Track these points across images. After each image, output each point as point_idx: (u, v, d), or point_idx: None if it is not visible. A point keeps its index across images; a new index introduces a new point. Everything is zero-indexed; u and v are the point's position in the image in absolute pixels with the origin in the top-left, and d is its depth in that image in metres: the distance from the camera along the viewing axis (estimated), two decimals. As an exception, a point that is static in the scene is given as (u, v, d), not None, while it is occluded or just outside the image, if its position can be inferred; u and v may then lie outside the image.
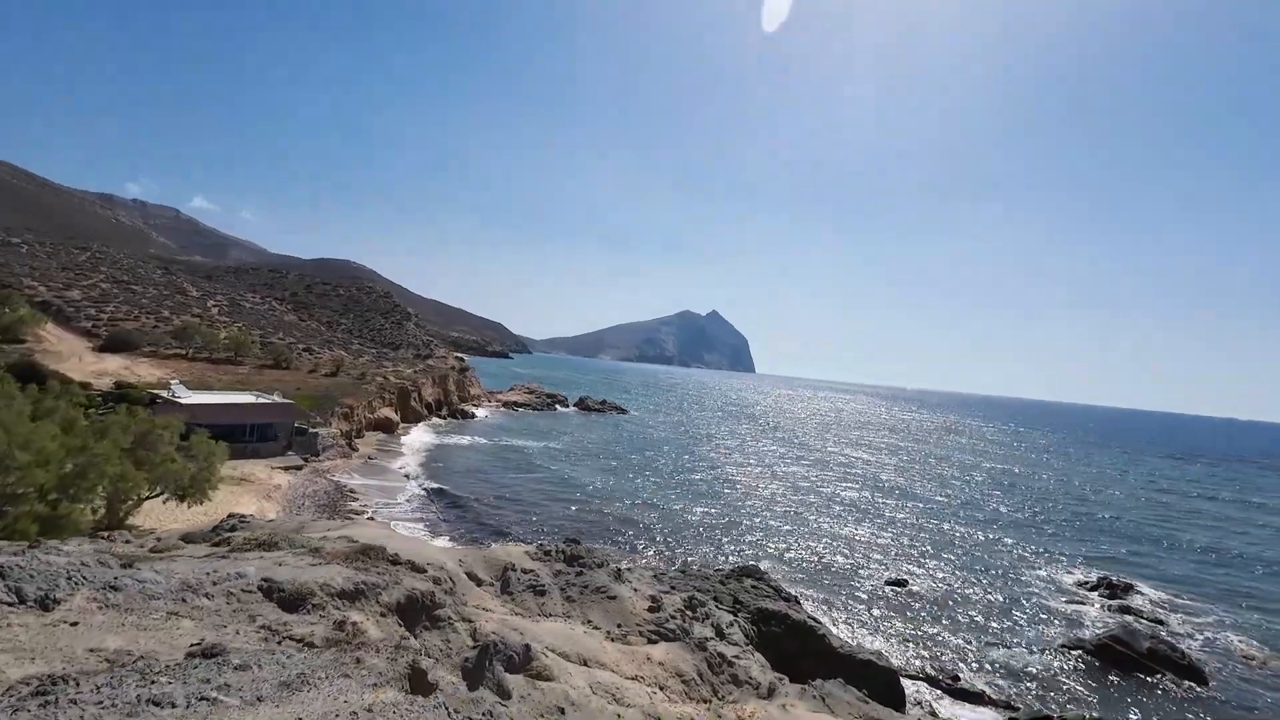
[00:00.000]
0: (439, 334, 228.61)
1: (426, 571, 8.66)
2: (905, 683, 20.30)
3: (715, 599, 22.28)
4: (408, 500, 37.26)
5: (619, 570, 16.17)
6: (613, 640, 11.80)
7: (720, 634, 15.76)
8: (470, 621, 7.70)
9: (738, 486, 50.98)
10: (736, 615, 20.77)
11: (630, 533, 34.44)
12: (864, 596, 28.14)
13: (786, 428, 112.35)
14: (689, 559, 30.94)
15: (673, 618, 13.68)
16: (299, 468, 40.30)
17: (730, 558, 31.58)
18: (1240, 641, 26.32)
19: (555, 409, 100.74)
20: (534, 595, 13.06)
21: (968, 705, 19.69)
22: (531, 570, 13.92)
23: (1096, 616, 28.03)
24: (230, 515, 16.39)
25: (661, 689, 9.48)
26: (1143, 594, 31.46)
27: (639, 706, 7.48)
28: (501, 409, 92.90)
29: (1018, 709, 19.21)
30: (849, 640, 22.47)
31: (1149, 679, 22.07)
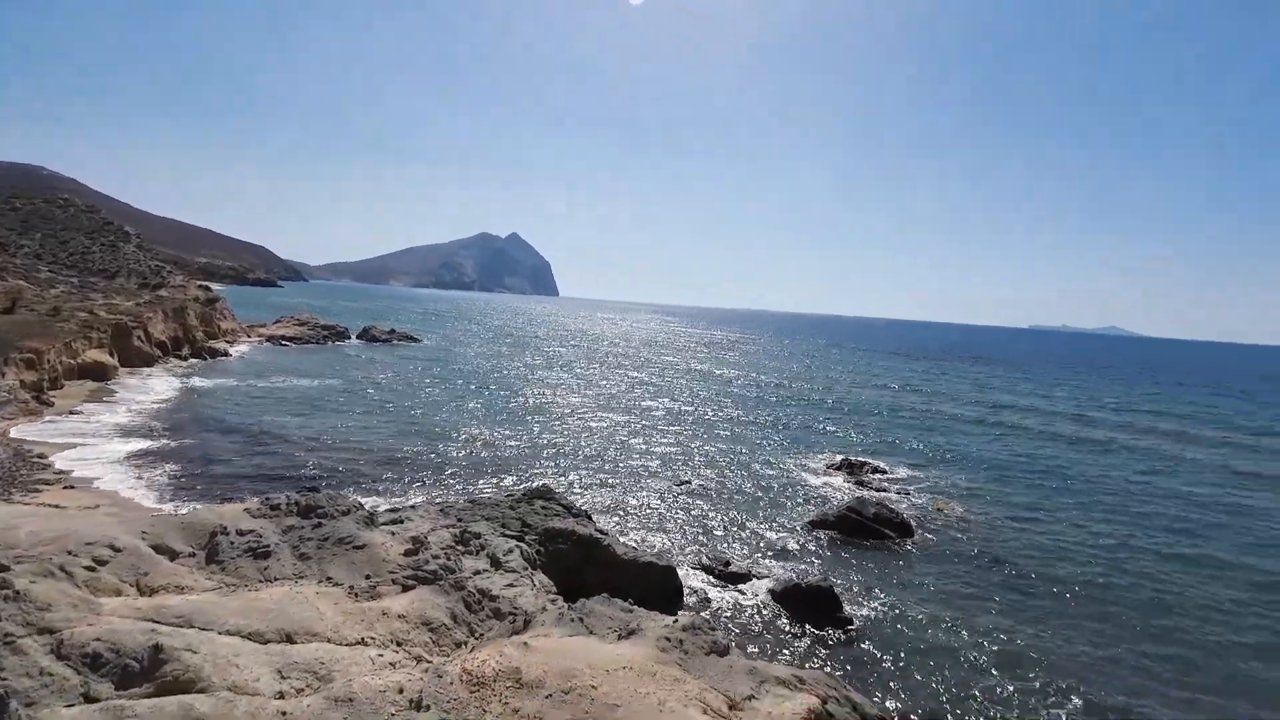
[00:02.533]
0: (178, 259, 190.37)
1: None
2: (684, 575, 21.74)
3: (503, 525, 21.40)
4: (119, 460, 30.44)
5: (370, 515, 14.38)
6: (355, 597, 10.23)
7: (496, 563, 14.97)
8: (54, 632, 5.60)
9: (536, 410, 50.50)
10: (523, 539, 20.16)
11: (416, 470, 32.15)
12: (651, 502, 29.62)
13: (586, 349, 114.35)
14: (482, 489, 29.81)
15: (436, 557, 12.47)
16: (-48, 433, 30.79)
17: (526, 482, 31.07)
18: (940, 500, 32.60)
19: (334, 342, 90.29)
20: (253, 560, 10.85)
21: (736, 585, 21.63)
22: (251, 530, 11.57)
23: (840, 491, 32.81)
24: None
25: (400, 645, 8.31)
26: (874, 470, 37.48)
27: (345, 680, 6.19)
28: (265, 345, 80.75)
29: (774, 580, 21.53)
30: (634, 545, 23.40)
31: (874, 539, 26.31)
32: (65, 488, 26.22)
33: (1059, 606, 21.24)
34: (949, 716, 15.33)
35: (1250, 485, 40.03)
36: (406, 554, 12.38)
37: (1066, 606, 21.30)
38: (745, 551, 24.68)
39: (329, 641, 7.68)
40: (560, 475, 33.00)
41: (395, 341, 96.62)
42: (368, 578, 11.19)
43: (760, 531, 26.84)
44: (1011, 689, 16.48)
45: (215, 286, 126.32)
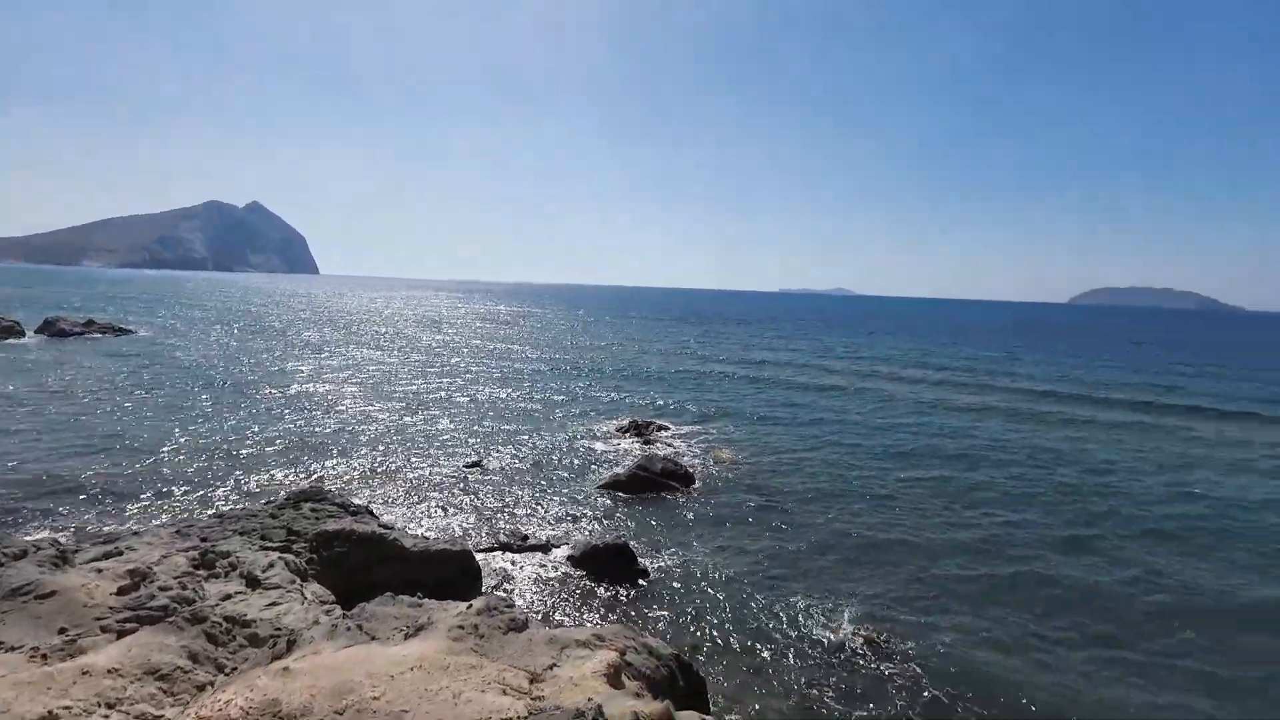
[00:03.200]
0: None
1: None
2: (482, 558, 21.03)
3: (263, 537, 18.59)
4: None
5: (63, 553, 11.30)
6: (40, 659, 7.88)
7: (254, 583, 12.83)
8: None
9: (294, 403, 44.53)
10: (289, 549, 17.71)
11: (136, 490, 26.29)
12: (442, 487, 28.08)
13: (352, 331, 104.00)
14: (233, 500, 25.47)
15: (165, 589, 10.19)
16: None
17: (289, 484, 27.29)
18: (716, 448, 35.92)
19: (-1, 339, 69.55)
20: None
21: (536, 557, 21.54)
22: None
23: (630, 452, 34.41)
24: None
25: (112, 708, 6.57)
26: (660, 428, 39.95)
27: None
28: (-121, 349, 59.27)
29: (572, 547, 21.87)
30: (426, 535, 21.98)
31: (663, 492, 28.10)
32: None
33: (819, 532, 24.70)
34: (733, 638, 17.07)
35: (939, 411, 50.79)
36: (122, 592, 9.89)
37: (824, 530, 24.88)
38: (543, 523, 24.69)
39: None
40: (333, 472, 29.63)
41: (95, 335, 77.65)
42: (62, 631, 8.69)
43: (557, 501, 27.06)
44: (782, 606, 18.90)
45: None
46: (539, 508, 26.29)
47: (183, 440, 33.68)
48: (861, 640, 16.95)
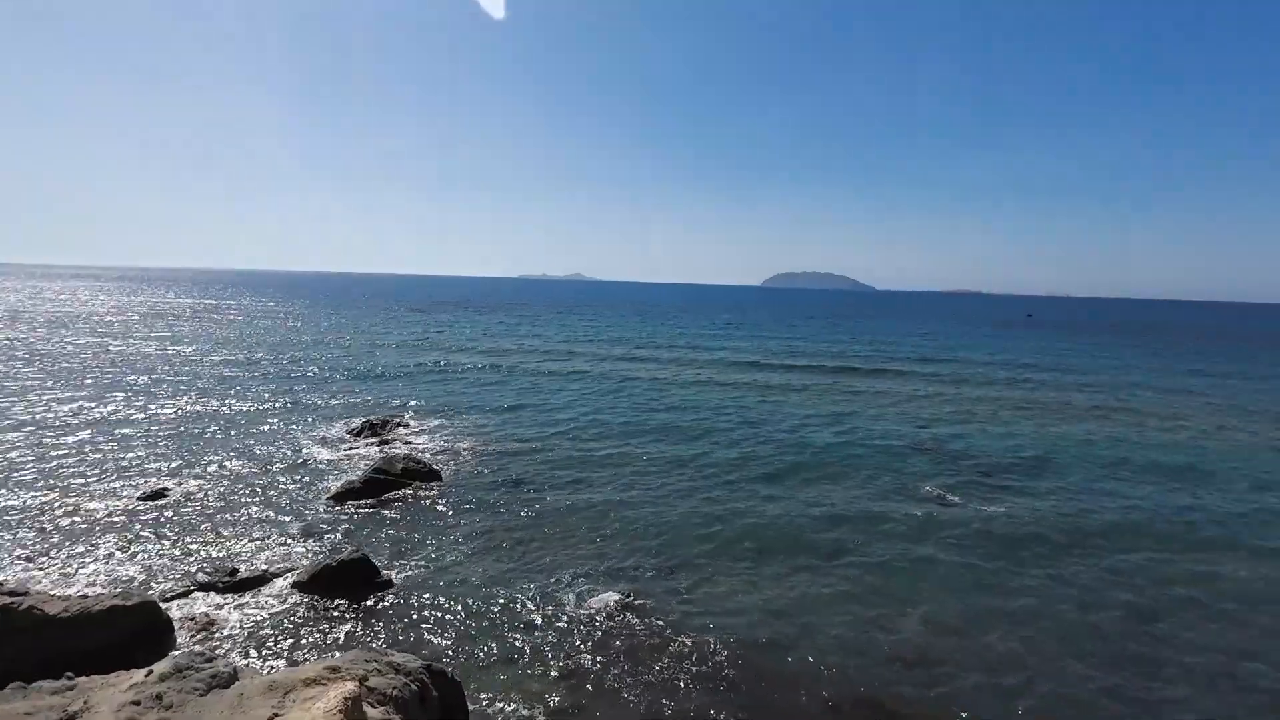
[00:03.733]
0: None
1: None
2: (173, 606, 17.20)
3: None
4: None
5: None
6: None
7: None
8: None
9: None
10: None
11: None
12: (108, 528, 22.14)
13: (-47, 336, 76.29)
14: None
15: None
16: None
17: None
18: (464, 441, 34.65)
19: None
20: None
21: (251, 593, 18.37)
22: None
23: (366, 456, 31.26)
24: None
25: None
26: (399, 425, 37.06)
27: None
28: None
29: (302, 569, 19.19)
30: (85, 593, 17.16)
31: (407, 493, 26.18)
32: None
33: (570, 513, 25.30)
34: (489, 631, 16.69)
35: (673, 387, 56.03)
36: None
37: (574, 510, 25.58)
38: (260, 551, 21.11)
39: None
40: (-82, 532, 21.31)
41: None
42: None
43: (276, 523, 23.36)
44: (537, 589, 19.04)
45: None
46: (253, 534, 22.41)
47: None
48: (616, 606, 17.96)
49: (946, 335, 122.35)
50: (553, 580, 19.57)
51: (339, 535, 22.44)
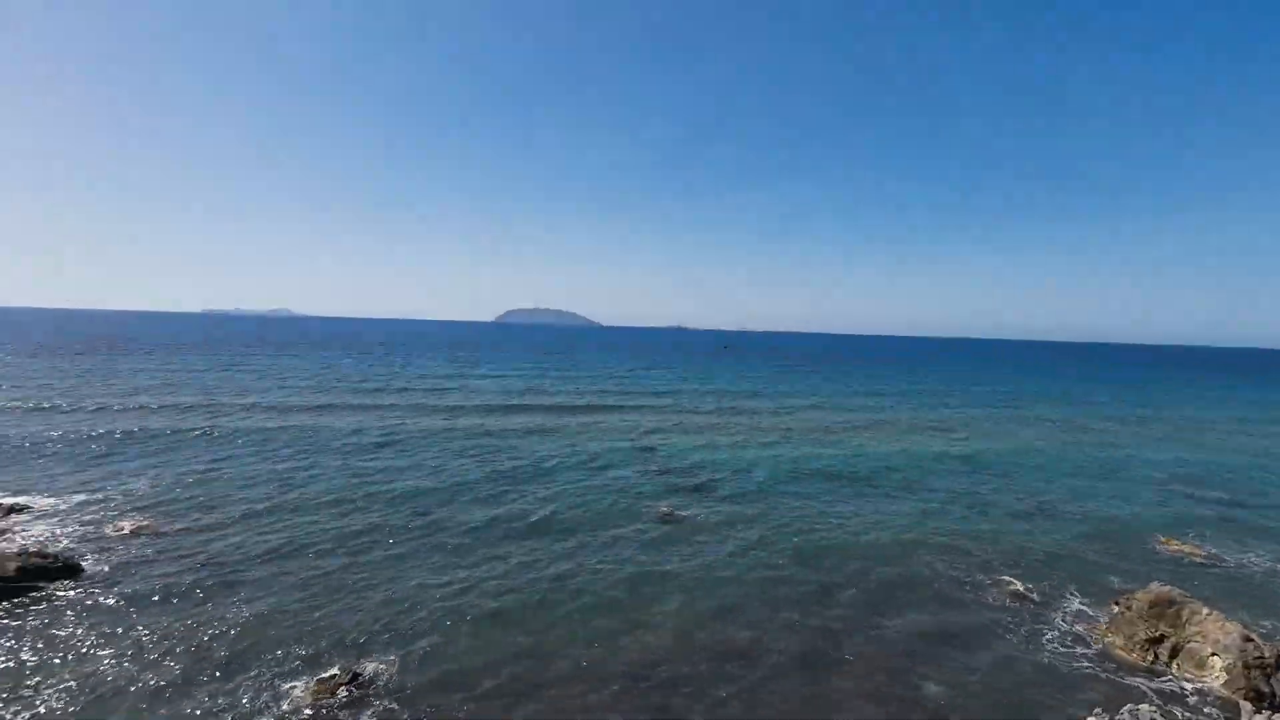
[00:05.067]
0: None
1: None
2: None
3: None
4: None
5: None
6: None
7: None
8: None
9: None
10: None
11: None
12: None
13: None
14: None
15: None
16: None
17: None
18: (114, 520, 27.29)
19: None
20: None
21: None
22: None
23: (-53, 559, 22.51)
24: None
25: None
26: (19, 509, 27.73)
27: None
28: None
29: None
30: None
31: (26, 600, 19.64)
32: None
33: (272, 593, 21.62)
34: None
35: (399, 435, 51.90)
36: None
37: (278, 588, 21.94)
38: None
39: None
40: None
41: None
42: None
43: None
44: (227, 700, 15.79)
45: None
46: None
47: None
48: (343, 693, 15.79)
49: (670, 363, 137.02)
50: (252, 678, 16.44)
51: None
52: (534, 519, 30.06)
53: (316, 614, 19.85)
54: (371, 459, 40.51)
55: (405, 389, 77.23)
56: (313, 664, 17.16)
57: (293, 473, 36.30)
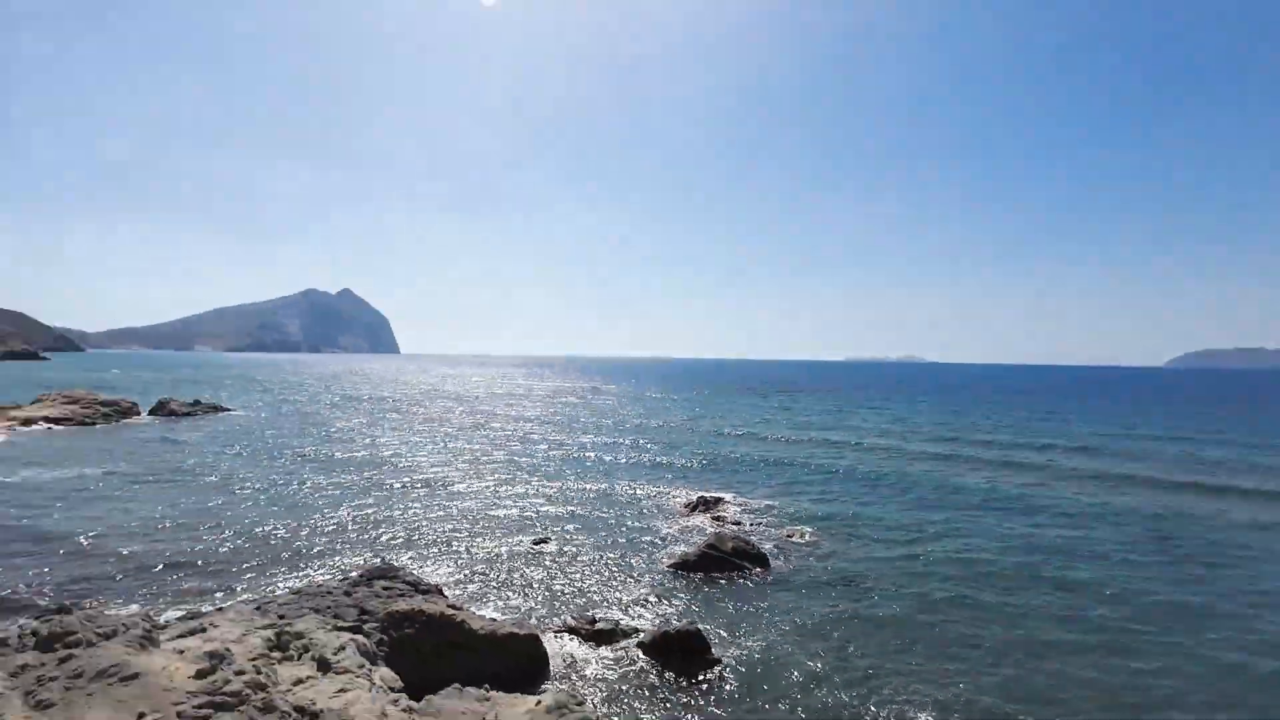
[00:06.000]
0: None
1: None
2: (549, 642, 20.32)
3: (336, 616, 18.76)
4: None
5: (149, 631, 11.61)
6: (119, 747, 7.92)
7: (325, 666, 12.74)
8: None
9: (371, 479, 45.97)
10: (360, 629, 17.70)
11: (221, 565, 27.30)
12: (509, 566, 27.73)
13: (426, 406, 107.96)
14: (312, 575, 26.01)
15: (241, 673, 10.21)
16: None
17: (362, 561, 27.68)
18: (792, 527, 34.23)
19: (119, 421, 76.29)
20: (-42, 723, 8.07)
21: (605, 644, 20.61)
22: (-44, 683, 8.68)
23: (699, 530, 33.19)
24: None
25: (179, 806, 6.42)
26: (728, 503, 38.59)
27: None
28: (20, 430, 66.00)
29: (641, 632, 20.84)
30: (494, 617, 21.54)
31: (734, 573, 26.72)
32: None
33: (910, 624, 22.59)
34: (820, 745, 15.47)
35: (1064, 486, 46.93)
36: (199, 675, 9.98)
37: (916, 622, 22.76)
38: (610, 605, 23.79)
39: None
40: (404, 549, 29.93)
41: (199, 415, 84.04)
42: (141, 717, 8.78)
43: (624, 582, 26.14)
44: (854, 698, 17.12)
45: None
46: (607, 588, 25.44)
47: (269, 515, 35.16)
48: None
49: None
50: (874, 694, 17.37)
51: (675, 603, 23.93)
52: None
53: (948, 655, 19.51)
54: (1018, 523, 37.62)
55: (1048, 445, 68.77)
56: (916, 704, 16.80)
57: (926, 523, 37.40)
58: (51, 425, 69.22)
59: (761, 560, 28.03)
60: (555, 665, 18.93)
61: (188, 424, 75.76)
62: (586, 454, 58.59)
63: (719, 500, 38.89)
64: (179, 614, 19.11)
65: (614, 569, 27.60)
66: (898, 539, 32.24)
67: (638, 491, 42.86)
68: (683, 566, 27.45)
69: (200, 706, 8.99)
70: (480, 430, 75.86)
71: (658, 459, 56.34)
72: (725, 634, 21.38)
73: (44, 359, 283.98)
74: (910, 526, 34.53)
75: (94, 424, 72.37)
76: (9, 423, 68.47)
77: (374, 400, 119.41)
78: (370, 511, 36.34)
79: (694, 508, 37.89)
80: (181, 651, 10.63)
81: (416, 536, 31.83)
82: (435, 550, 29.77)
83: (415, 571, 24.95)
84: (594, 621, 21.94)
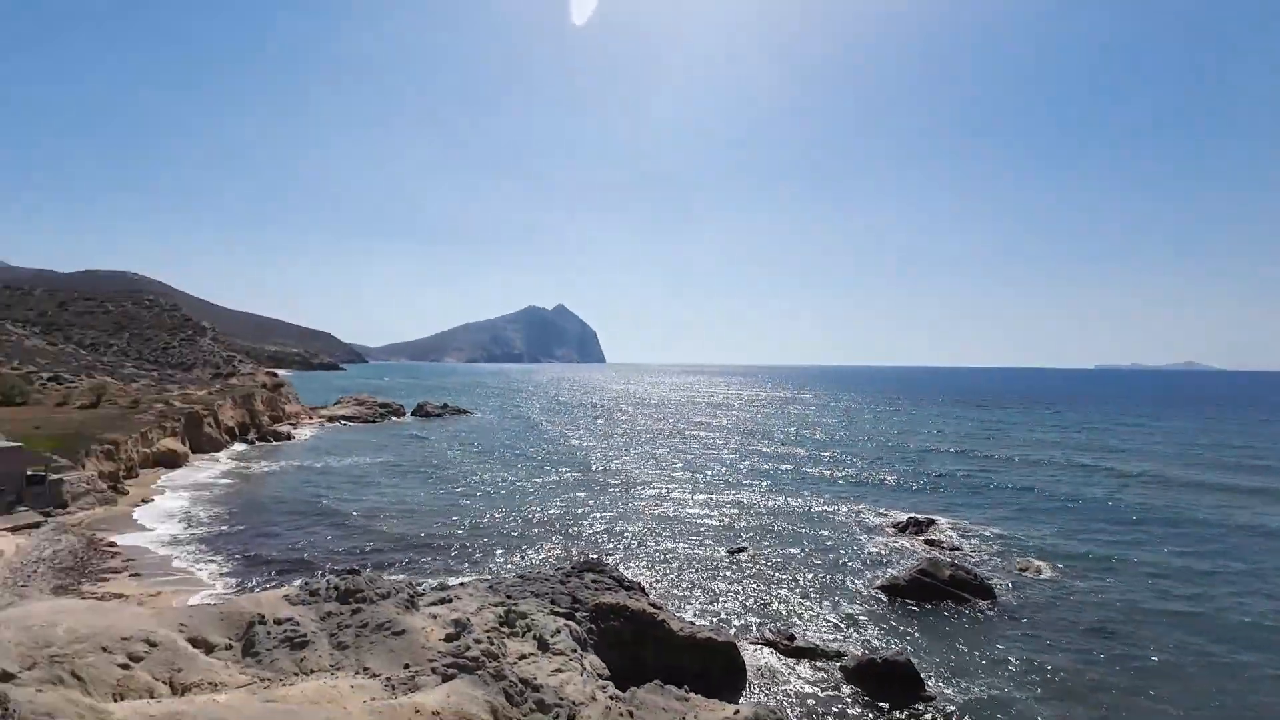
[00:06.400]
0: (250, 349, 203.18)
1: None
2: (745, 651, 20.21)
3: (553, 601, 20.63)
4: (179, 545, 31.08)
5: (412, 597, 13.89)
6: (392, 689, 9.65)
7: (544, 646, 14.14)
8: None
9: (583, 478, 49.83)
10: (573, 616, 19.27)
11: (464, 545, 31.69)
12: (706, 572, 28.14)
13: (631, 413, 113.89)
14: (533, 562, 29.03)
15: (478, 642, 11.80)
16: (36, 526, 32.21)
17: (575, 554, 30.14)
18: (1024, 559, 29.92)
19: (390, 420, 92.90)
20: (290, 651, 10.48)
21: (804, 661, 19.93)
22: (289, 619, 11.26)
23: (908, 552, 30.51)
24: None
25: (432, 747, 7.65)
26: (943, 526, 34.95)
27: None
28: (326, 426, 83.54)
29: (845, 656, 19.75)
30: (691, 620, 22.03)
31: (951, 603, 24.09)
32: (131, 575, 26.84)
33: (1195, 697, 18.44)
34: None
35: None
36: (448, 639, 11.78)
37: (1202, 694, 18.52)
38: (810, 622, 22.91)
39: (353, 746, 7.16)
40: (611, 543, 31.96)
41: (447, 416, 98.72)
42: (406, 667, 10.62)
43: (825, 600, 25.00)
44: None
45: (282, 372, 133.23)
46: (806, 604, 24.55)
47: (496, 505, 40.08)
48: None
49: None
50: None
51: (883, 630, 22.25)
52: None
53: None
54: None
55: None
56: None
57: (1218, 573, 29.94)
58: (345, 422, 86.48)
59: (985, 593, 24.89)
60: (752, 676, 18.76)
61: (438, 423, 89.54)
62: (783, 464, 57.20)
63: (931, 522, 35.37)
64: (432, 584, 22.55)
65: (813, 585, 26.55)
66: (1175, 589, 26.34)
67: (839, 507, 40.71)
68: (892, 590, 25.45)
69: (448, 665, 10.62)
70: (679, 437, 78.22)
71: (860, 474, 52.97)
72: (941, 670, 19.35)
73: (341, 369, 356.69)
74: (1193, 574, 28.01)
75: (373, 421, 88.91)
76: (319, 420, 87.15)
77: (583, 406, 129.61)
78: (579, 507, 39.46)
79: (903, 528, 34.93)
80: (435, 616, 12.68)
81: (619, 534, 33.79)
82: (636, 549, 31.32)
83: (619, 568, 26.53)
84: (793, 638, 21.33)
